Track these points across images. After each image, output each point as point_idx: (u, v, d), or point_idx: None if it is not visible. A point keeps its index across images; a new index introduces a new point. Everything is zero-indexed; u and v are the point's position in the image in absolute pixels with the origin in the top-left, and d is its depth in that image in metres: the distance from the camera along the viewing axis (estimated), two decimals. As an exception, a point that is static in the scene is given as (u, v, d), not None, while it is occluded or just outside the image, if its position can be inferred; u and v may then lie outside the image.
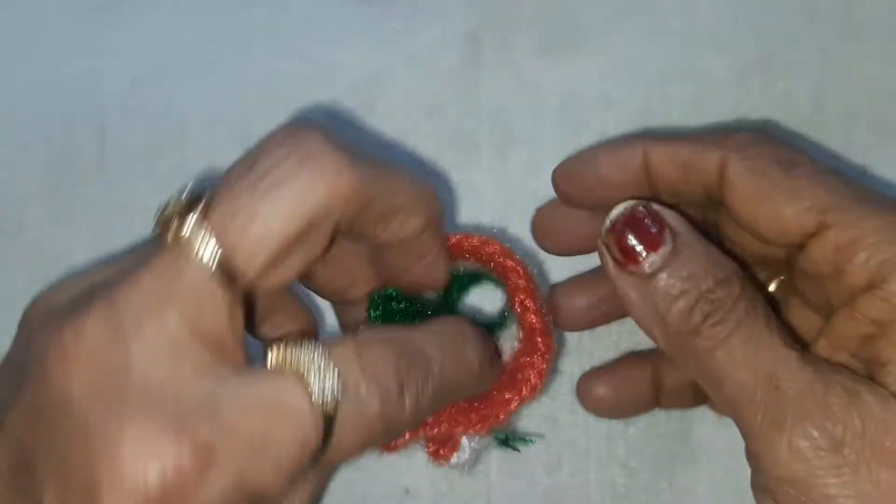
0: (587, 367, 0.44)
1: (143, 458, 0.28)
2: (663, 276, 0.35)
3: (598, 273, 0.42)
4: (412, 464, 0.45)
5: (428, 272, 0.39)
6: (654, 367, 0.43)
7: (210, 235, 0.30)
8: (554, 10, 0.48)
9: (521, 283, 0.41)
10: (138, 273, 0.30)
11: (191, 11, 0.49)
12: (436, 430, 0.39)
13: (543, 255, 0.44)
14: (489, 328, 0.41)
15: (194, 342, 0.30)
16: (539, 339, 0.41)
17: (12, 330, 0.46)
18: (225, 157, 0.47)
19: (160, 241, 0.31)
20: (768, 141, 0.37)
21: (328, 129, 0.32)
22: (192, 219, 0.31)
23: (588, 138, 0.47)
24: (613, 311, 0.43)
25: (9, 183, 0.48)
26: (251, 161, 0.32)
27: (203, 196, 0.31)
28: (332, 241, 0.33)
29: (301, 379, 0.31)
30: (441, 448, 0.40)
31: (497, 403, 0.40)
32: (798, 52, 0.47)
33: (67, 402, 0.29)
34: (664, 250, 0.35)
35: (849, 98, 0.47)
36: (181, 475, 0.28)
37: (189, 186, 0.31)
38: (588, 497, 0.45)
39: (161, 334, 0.30)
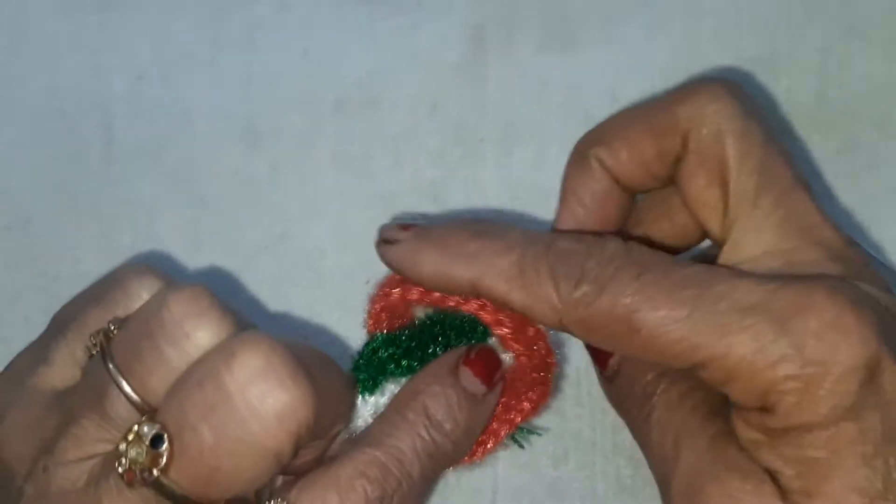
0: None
1: None
2: (618, 379, 0.38)
3: None
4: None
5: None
6: None
7: (177, 488, 0.31)
8: (557, 5, 0.48)
9: (505, 331, 0.38)
10: None
11: (192, 8, 0.49)
12: None
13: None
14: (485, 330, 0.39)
15: None
16: (532, 374, 0.39)
17: (18, 325, 0.47)
18: (230, 151, 0.48)
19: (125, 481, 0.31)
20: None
21: (279, 340, 0.32)
22: (157, 473, 0.30)
23: (592, 134, 0.47)
24: None
25: (15, 179, 0.48)
26: (211, 389, 0.30)
27: (163, 445, 0.30)
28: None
29: None
30: None
31: (498, 421, 0.39)
32: (800, 49, 0.48)
33: None
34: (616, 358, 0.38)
35: (852, 95, 0.47)
36: None
37: (149, 431, 0.31)
38: (594, 489, 0.45)
39: None
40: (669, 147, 0.37)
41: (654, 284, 0.33)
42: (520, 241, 0.35)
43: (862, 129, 0.47)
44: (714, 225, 0.36)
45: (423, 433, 0.36)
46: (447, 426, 0.36)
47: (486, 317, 0.38)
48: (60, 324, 0.36)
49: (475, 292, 0.35)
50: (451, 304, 0.38)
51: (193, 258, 0.47)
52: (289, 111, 0.48)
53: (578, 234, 0.36)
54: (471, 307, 0.38)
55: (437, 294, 0.38)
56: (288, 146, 0.48)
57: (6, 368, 0.37)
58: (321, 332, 0.46)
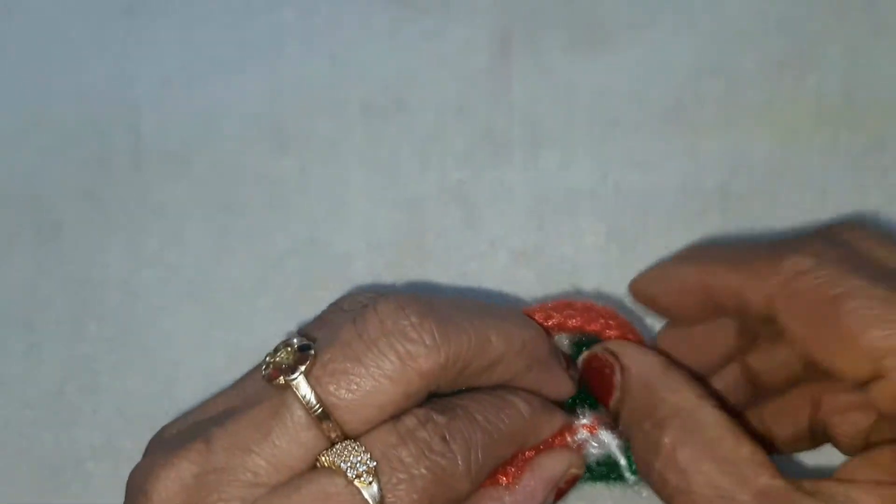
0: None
1: None
2: (621, 416, 0.38)
3: None
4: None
5: (554, 390, 0.39)
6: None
7: (313, 392, 0.33)
8: (583, 7, 0.48)
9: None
10: (238, 416, 0.33)
11: (218, 13, 0.49)
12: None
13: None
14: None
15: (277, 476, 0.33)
16: None
17: (48, 330, 0.47)
18: (258, 156, 0.48)
19: (267, 387, 0.34)
20: (819, 266, 0.35)
21: (425, 299, 0.35)
22: (299, 374, 0.33)
23: (620, 135, 0.47)
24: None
25: (44, 185, 0.48)
26: (356, 333, 0.33)
27: (310, 352, 0.33)
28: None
29: (339, 469, 0.32)
30: None
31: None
32: (828, 47, 0.47)
33: None
34: (616, 395, 0.38)
35: (880, 93, 0.47)
36: None
37: (297, 339, 0.34)
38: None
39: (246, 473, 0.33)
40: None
41: (872, 280, 0.33)
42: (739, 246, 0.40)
43: (890, 127, 0.47)
44: None
45: (490, 398, 0.37)
46: (525, 396, 0.37)
47: (611, 333, 0.40)
48: None
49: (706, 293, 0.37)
50: (594, 328, 0.40)
51: (222, 262, 0.47)
52: (316, 115, 0.48)
53: None
54: (611, 334, 0.40)
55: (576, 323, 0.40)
56: (315, 150, 0.48)
57: None
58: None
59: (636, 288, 0.41)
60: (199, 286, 0.47)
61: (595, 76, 0.47)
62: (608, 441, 0.39)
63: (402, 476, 0.32)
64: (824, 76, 0.47)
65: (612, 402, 0.38)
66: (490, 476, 0.36)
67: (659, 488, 0.35)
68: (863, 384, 0.34)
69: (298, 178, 0.48)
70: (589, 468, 0.39)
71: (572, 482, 0.38)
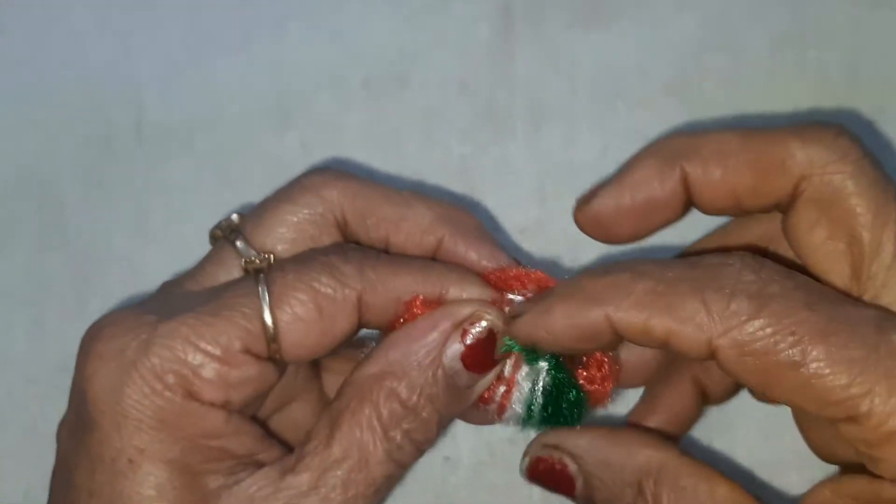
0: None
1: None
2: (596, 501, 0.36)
3: None
4: (453, 432, 0.46)
5: (486, 258, 0.39)
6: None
7: (230, 227, 0.39)
8: (585, -18, 0.48)
9: None
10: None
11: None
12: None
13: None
14: None
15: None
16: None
17: (53, 309, 0.48)
18: (261, 132, 0.48)
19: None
20: (762, 307, 0.31)
21: (338, 169, 0.39)
22: (223, 222, 0.39)
23: (623, 109, 0.47)
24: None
25: (48, 163, 0.48)
26: (273, 196, 0.39)
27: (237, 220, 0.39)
28: (343, 236, 0.38)
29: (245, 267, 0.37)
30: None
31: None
32: (830, 21, 0.47)
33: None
34: (579, 485, 0.36)
35: (882, 67, 0.47)
36: (129, 349, 0.35)
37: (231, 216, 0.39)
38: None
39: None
40: (774, 187, 0.34)
41: (828, 317, 0.30)
42: (652, 267, 0.32)
43: (891, 101, 0.47)
44: (837, 276, 0.33)
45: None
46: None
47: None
48: None
49: (613, 331, 0.32)
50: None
51: (225, 239, 0.47)
52: (318, 92, 0.48)
53: (719, 251, 0.35)
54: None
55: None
56: (318, 126, 0.48)
57: None
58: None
59: (588, 215, 0.37)
60: (203, 263, 0.47)
61: (597, 51, 0.47)
62: None
63: (292, 267, 0.36)
64: (826, 50, 0.47)
65: (578, 492, 0.36)
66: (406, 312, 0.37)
67: None
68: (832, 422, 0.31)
69: (301, 155, 0.48)
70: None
71: (487, 335, 0.36)
